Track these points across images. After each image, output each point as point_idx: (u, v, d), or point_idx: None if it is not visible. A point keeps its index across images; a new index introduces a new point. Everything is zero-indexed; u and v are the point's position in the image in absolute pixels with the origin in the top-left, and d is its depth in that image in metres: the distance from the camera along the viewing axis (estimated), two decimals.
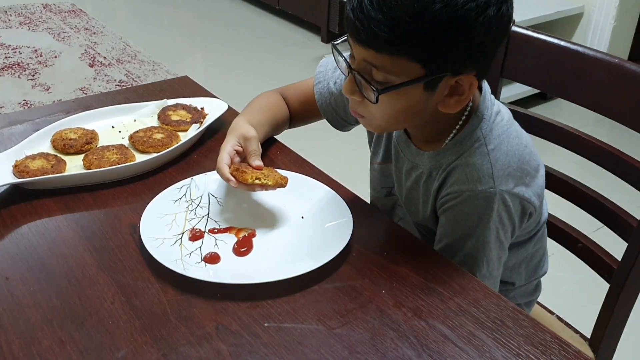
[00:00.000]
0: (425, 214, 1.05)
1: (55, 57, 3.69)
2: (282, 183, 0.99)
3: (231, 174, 1.00)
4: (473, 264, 0.98)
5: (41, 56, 3.68)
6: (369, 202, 1.21)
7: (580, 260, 1.23)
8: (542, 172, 1.01)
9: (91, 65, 3.60)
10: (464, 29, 0.82)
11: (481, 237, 0.97)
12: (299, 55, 3.92)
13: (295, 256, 0.93)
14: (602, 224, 1.17)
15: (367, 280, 0.90)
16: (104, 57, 3.71)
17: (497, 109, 0.99)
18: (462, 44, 0.84)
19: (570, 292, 2.05)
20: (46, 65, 3.57)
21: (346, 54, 0.92)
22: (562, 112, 3.15)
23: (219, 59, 3.85)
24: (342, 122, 1.19)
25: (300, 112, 1.23)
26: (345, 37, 0.91)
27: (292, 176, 1.08)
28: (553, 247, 1.24)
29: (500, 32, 0.87)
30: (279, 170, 1.03)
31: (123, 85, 3.36)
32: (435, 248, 1.02)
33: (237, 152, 1.06)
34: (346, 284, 0.89)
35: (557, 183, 1.23)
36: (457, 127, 0.97)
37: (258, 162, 1.03)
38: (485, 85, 0.99)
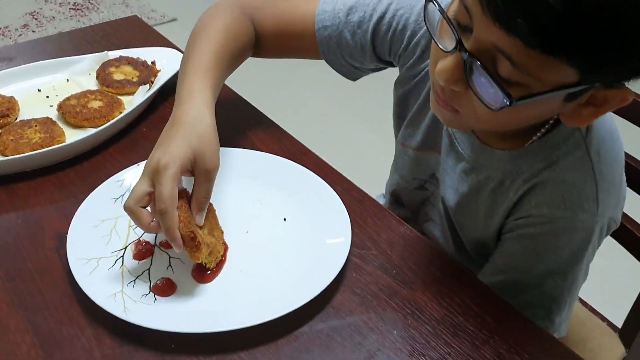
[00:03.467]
0: (487, 231, 0.79)
1: None
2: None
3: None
4: (551, 305, 0.76)
5: None
6: (383, 188, 0.96)
7: (614, 240, 1.02)
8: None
9: None
10: None
11: (570, 275, 0.74)
12: None
13: (275, 282, 0.70)
14: None
15: (373, 315, 0.67)
16: None
17: None
18: None
19: (599, 274, 1.82)
20: None
21: None
22: None
23: None
24: (355, 70, 0.90)
25: (278, 45, 0.90)
26: None
27: (270, 161, 0.84)
28: None
29: None
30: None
31: (78, 9, 3.02)
32: (489, 280, 0.77)
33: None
34: (345, 322, 0.67)
35: None
36: (549, 122, 0.69)
37: (201, 217, 0.71)
38: None
